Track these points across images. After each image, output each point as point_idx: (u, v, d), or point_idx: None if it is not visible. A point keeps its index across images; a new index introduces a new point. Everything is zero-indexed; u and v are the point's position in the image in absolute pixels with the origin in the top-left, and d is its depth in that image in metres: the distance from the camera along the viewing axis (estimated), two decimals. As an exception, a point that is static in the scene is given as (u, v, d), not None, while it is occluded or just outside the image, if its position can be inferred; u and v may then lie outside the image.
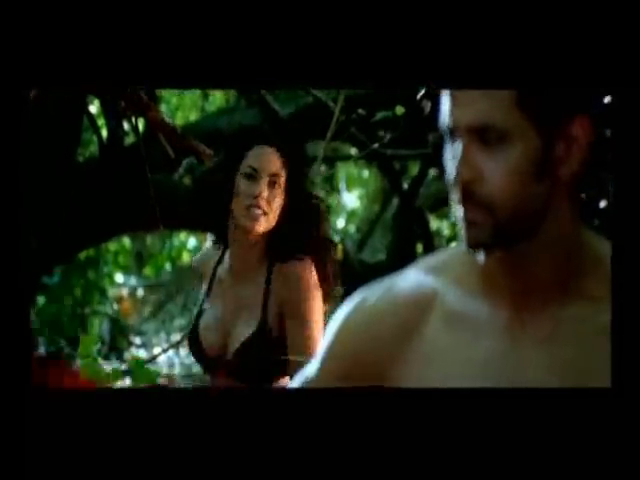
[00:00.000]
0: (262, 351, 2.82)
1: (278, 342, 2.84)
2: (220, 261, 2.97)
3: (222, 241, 2.97)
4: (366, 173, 10.51)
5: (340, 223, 10.62)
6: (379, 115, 6.04)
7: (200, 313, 2.96)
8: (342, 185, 10.65)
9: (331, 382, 1.54)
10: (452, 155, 1.42)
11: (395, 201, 8.99)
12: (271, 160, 2.86)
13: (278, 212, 2.85)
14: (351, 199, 10.84)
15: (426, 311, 1.49)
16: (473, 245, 1.42)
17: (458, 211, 1.42)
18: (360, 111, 5.65)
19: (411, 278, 1.52)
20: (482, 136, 1.39)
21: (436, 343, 1.47)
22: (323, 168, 9.35)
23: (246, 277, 2.90)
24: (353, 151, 7.73)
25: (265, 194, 2.82)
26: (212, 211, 2.95)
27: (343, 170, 10.42)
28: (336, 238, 8.73)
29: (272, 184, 2.84)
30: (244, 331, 2.84)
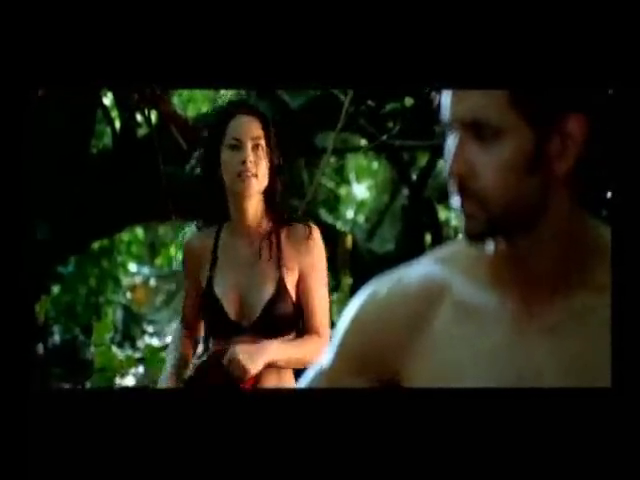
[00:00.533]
0: (285, 308, 2.98)
1: (293, 299, 3.00)
2: (219, 234, 3.10)
3: (218, 215, 3.09)
4: (375, 164, 10.53)
5: (350, 213, 10.66)
6: (388, 107, 6.07)
7: (211, 283, 3.07)
8: (352, 176, 10.68)
9: (344, 373, 1.56)
10: (449, 148, 1.44)
11: (404, 192, 9.01)
12: (251, 126, 3.00)
13: (267, 173, 2.99)
14: (360, 190, 10.86)
15: (436, 302, 1.49)
16: (471, 236, 1.44)
17: (455, 203, 1.44)
18: (369, 103, 5.69)
19: (421, 270, 1.52)
20: (477, 131, 1.41)
21: (446, 334, 1.48)
22: (333, 159, 9.40)
23: (252, 239, 3.04)
24: (362, 142, 7.75)
25: (251, 158, 2.96)
26: (205, 187, 3.08)
27: (353, 161, 10.44)
28: (345, 228, 8.79)
29: (256, 147, 2.98)
30: (264, 290, 2.98)
